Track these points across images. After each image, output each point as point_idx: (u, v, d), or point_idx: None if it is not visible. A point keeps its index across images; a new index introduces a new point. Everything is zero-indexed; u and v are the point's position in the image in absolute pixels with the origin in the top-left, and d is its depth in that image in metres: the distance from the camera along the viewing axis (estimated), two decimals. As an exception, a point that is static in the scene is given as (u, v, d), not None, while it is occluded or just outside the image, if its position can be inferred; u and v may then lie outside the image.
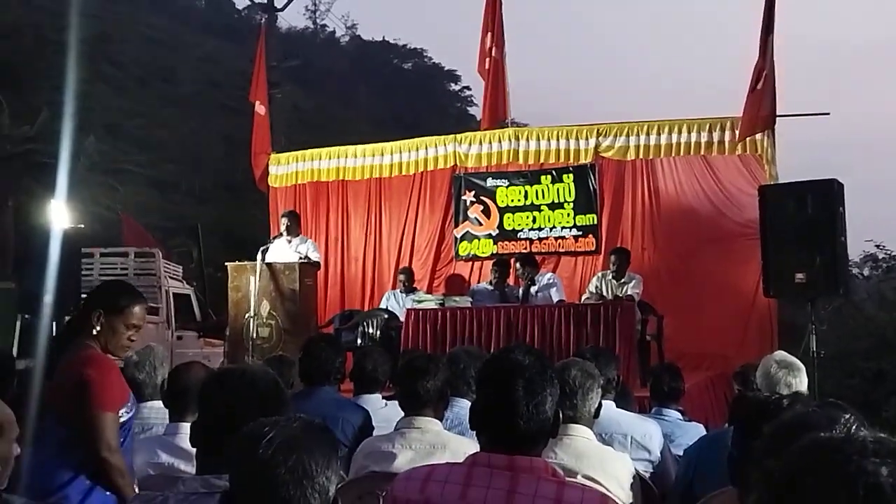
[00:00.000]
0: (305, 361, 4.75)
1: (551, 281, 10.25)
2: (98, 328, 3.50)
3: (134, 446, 3.64)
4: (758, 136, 10.23)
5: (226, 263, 10.27)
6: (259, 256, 9.57)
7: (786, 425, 1.76)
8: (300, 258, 9.94)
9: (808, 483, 1.08)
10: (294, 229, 10.29)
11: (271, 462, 1.69)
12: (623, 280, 9.82)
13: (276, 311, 9.66)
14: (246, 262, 9.87)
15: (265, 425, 1.76)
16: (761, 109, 9.92)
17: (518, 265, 10.44)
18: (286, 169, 12.91)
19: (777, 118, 10.02)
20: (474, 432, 2.48)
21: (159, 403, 4.20)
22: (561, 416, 2.44)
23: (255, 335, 9.42)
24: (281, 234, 10.21)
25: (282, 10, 23.47)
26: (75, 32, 18.18)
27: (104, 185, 20.99)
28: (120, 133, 26.10)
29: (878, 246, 19.30)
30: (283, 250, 10.08)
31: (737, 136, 10.35)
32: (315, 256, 10.25)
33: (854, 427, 1.83)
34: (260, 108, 13.05)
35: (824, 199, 7.93)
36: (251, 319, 9.45)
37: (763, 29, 9.83)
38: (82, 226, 11.47)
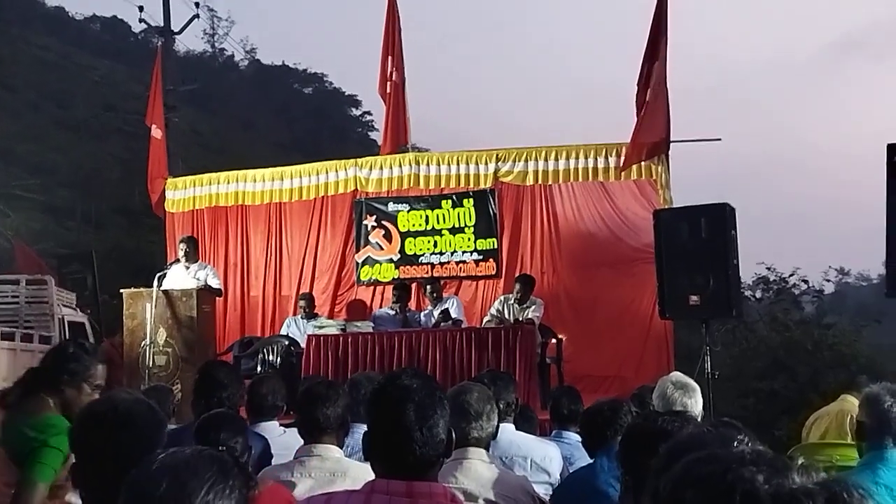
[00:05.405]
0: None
1: (454, 306, 10.28)
2: None
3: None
4: (652, 160, 10.41)
5: (121, 290, 10.05)
6: (155, 283, 9.39)
7: (680, 446, 1.78)
8: (199, 284, 9.76)
9: (689, 495, 1.09)
10: (192, 255, 10.08)
11: (150, 482, 1.63)
12: (525, 305, 9.90)
13: (172, 338, 9.45)
14: (142, 289, 9.67)
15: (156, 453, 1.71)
16: (639, 137, 10.16)
17: (428, 287, 10.53)
18: (184, 194, 12.66)
19: (670, 143, 10.25)
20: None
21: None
22: (455, 437, 2.43)
23: (151, 363, 9.22)
24: (178, 260, 10.00)
25: (179, 33, 23.07)
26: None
27: (-6, 211, 20.41)
28: (12, 157, 25.40)
29: (769, 268, 19.97)
30: (180, 276, 9.86)
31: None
32: (215, 283, 10.07)
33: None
34: (156, 132, 12.81)
35: (717, 222, 8.07)
36: (147, 347, 9.25)
37: (645, 59, 10.05)
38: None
